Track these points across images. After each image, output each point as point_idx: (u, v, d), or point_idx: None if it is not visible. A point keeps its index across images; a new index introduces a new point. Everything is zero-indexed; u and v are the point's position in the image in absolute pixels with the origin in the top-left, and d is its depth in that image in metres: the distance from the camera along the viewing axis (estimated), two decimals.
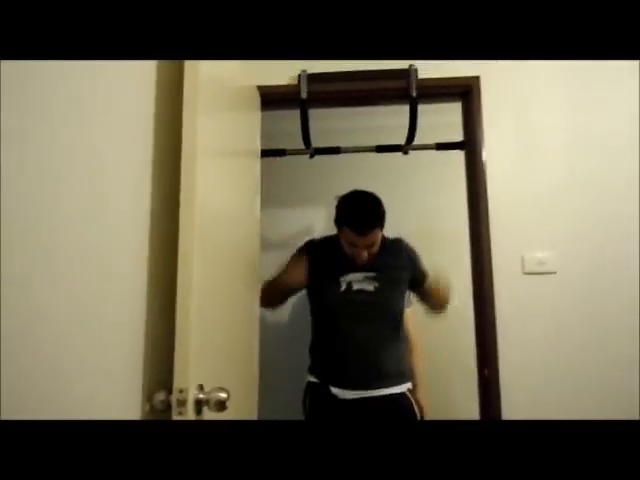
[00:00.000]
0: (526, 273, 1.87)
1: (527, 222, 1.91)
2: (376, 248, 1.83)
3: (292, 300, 2.08)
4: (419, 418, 1.81)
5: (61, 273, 0.88)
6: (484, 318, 1.84)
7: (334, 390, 1.79)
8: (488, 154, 1.94)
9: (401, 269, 1.90)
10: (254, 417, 1.70)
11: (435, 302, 2.00)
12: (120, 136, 1.09)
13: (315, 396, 1.84)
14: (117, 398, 1.07)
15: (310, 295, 1.96)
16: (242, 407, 1.53)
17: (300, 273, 1.87)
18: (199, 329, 1.18)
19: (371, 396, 1.78)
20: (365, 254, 1.80)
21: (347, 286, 1.84)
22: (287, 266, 1.92)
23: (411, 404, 1.82)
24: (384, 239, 1.88)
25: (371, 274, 1.84)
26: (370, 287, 1.84)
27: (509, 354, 1.82)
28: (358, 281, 1.84)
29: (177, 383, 1.11)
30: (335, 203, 1.86)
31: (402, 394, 1.82)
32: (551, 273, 1.87)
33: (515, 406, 1.79)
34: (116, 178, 1.07)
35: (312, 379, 1.87)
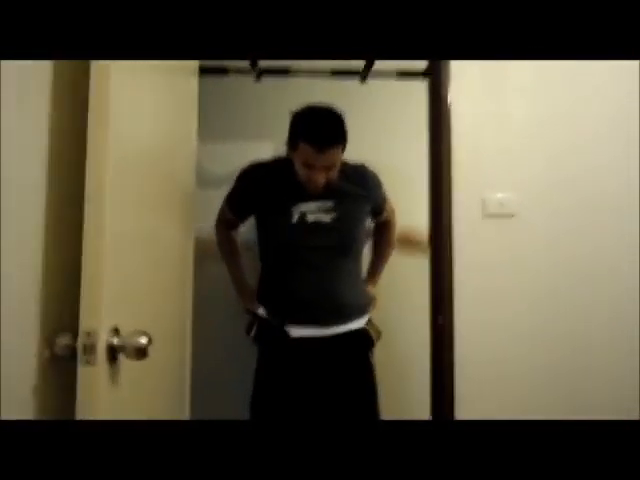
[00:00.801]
0: (486, 216, 1.74)
1: (489, 164, 1.77)
2: (335, 172, 1.61)
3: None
4: (373, 347, 1.72)
5: None
6: (441, 262, 1.71)
7: (287, 327, 1.64)
8: (452, 90, 1.77)
9: (362, 198, 1.71)
10: (185, 367, 1.52)
11: (386, 240, 1.89)
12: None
13: (265, 333, 1.70)
14: (9, 342, 0.86)
15: (258, 227, 1.76)
16: (169, 355, 1.35)
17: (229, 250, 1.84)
18: (114, 265, 0.98)
19: (328, 334, 1.64)
20: (322, 178, 1.58)
21: (300, 218, 1.64)
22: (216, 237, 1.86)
23: (368, 339, 1.71)
24: (344, 164, 1.67)
25: (328, 203, 1.64)
26: (327, 218, 1.64)
27: (465, 301, 1.71)
28: (312, 212, 1.64)
29: (84, 324, 0.91)
30: (289, 118, 1.64)
31: (360, 330, 1.69)
32: (511, 216, 1.75)
33: (468, 356, 1.70)
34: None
35: (262, 313, 1.71)
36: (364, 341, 1.71)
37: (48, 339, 0.95)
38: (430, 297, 1.75)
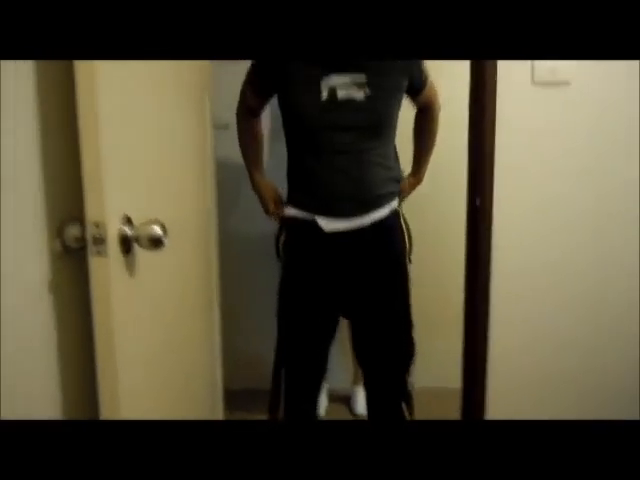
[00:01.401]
0: (536, 83, 1.55)
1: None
2: None
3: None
4: (407, 235, 1.61)
5: None
6: (482, 134, 1.55)
7: (320, 221, 1.51)
8: None
9: (399, 71, 1.52)
10: (211, 252, 1.49)
11: (429, 129, 1.71)
12: None
13: (295, 233, 1.58)
14: (20, 234, 0.81)
15: (282, 108, 1.57)
16: (189, 243, 1.30)
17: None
18: (120, 150, 0.92)
19: (360, 227, 1.52)
20: None
21: (330, 93, 1.46)
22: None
23: (400, 222, 1.59)
24: None
25: (361, 76, 1.46)
26: (360, 95, 1.46)
27: (506, 182, 1.57)
28: (344, 86, 1.46)
29: (91, 215, 0.85)
30: None
31: (392, 212, 1.57)
32: (564, 84, 1.55)
33: (505, 254, 1.61)
34: None
35: (292, 211, 1.57)
36: (400, 240, 1.60)
37: (58, 229, 0.89)
38: (467, 176, 1.62)
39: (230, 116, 1.67)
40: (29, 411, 0.84)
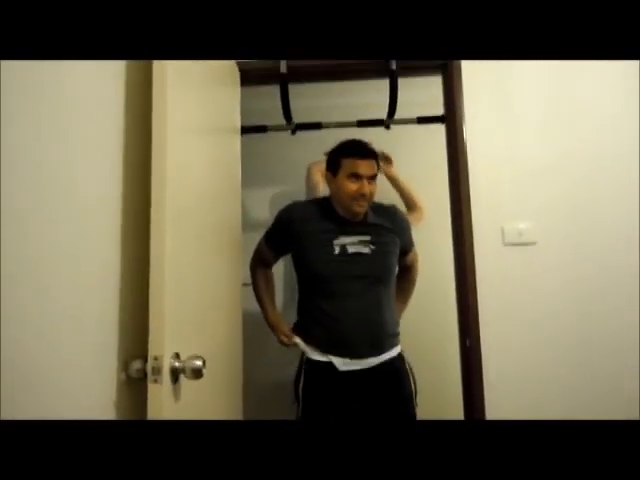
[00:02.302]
0: (506, 244, 1.88)
1: (507, 195, 1.92)
2: (374, 188, 1.78)
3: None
4: (412, 379, 1.79)
5: (37, 247, 0.88)
6: (465, 289, 1.86)
7: (332, 359, 1.73)
8: (469, 128, 1.95)
9: (394, 234, 1.86)
10: (238, 387, 1.71)
11: (410, 280, 1.99)
12: (90, 124, 1.08)
13: (312, 371, 1.77)
14: (94, 368, 1.07)
15: (298, 261, 1.88)
16: (221, 376, 1.54)
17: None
18: (176, 301, 1.19)
19: (371, 366, 1.73)
20: (368, 188, 1.75)
21: (341, 249, 1.78)
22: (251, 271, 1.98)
23: (405, 366, 1.79)
24: (378, 204, 1.85)
25: (366, 237, 1.79)
26: (366, 249, 1.78)
27: (490, 324, 1.84)
28: (353, 244, 1.79)
29: (152, 350, 1.11)
30: (326, 157, 1.85)
31: (398, 355, 1.79)
32: (531, 244, 1.88)
33: (497, 373, 1.82)
34: (86, 165, 1.06)
35: (307, 349, 1.79)
36: (408, 384, 1.78)
37: (124, 364, 1.16)
38: (458, 322, 1.89)
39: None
40: None
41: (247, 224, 1.98)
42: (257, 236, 2.01)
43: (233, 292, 1.78)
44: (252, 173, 2.03)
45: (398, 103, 2.02)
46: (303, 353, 1.81)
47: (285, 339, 1.86)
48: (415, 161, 2.37)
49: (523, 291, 1.86)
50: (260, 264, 1.98)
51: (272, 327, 1.93)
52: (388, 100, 2.03)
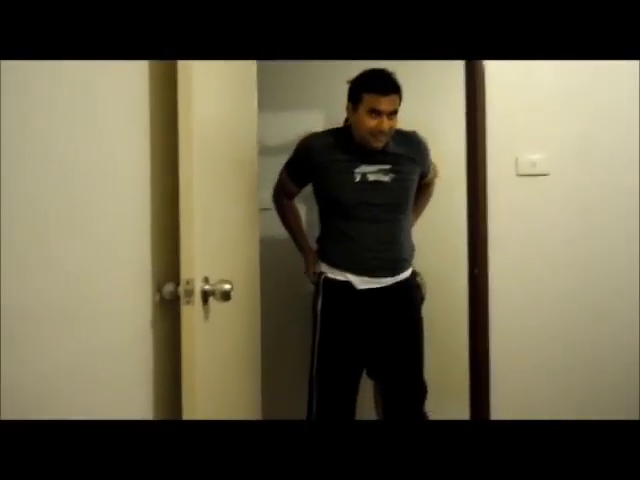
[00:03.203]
0: (519, 175, 1.91)
1: (522, 126, 1.93)
2: (395, 123, 1.80)
3: None
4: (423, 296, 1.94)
5: (72, 182, 0.93)
6: (476, 218, 1.91)
7: (351, 278, 1.83)
8: (486, 61, 1.92)
9: (414, 162, 1.90)
10: (257, 309, 1.81)
11: (426, 195, 2.05)
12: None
13: (330, 290, 1.87)
14: (130, 290, 1.15)
15: (318, 189, 1.94)
16: (246, 299, 1.63)
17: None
18: (203, 226, 1.25)
19: (387, 285, 1.84)
20: (388, 125, 1.77)
21: (362, 177, 1.84)
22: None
23: (417, 285, 1.93)
24: (398, 131, 1.87)
25: (386, 166, 1.84)
26: (386, 178, 1.84)
27: (499, 254, 1.91)
28: (373, 173, 1.84)
29: (184, 274, 1.19)
30: (348, 85, 1.86)
31: (411, 276, 1.91)
32: (544, 175, 1.91)
33: (503, 304, 1.91)
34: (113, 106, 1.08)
35: (326, 269, 1.88)
36: (418, 296, 1.94)
37: (158, 287, 1.24)
38: (467, 251, 1.95)
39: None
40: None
41: (262, 148, 1.99)
42: (272, 160, 2.03)
43: (252, 217, 1.84)
44: (267, 99, 2.02)
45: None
46: (321, 273, 1.90)
47: (313, 267, 1.95)
48: (433, 92, 2.35)
49: (534, 222, 1.91)
50: (284, 196, 2.03)
51: (304, 256, 2.01)
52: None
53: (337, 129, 1.97)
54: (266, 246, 2.30)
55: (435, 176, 2.03)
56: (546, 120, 1.92)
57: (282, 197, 2.03)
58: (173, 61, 1.20)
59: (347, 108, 1.87)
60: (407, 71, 2.12)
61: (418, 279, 1.94)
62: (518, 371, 1.94)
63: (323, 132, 1.99)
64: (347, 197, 1.85)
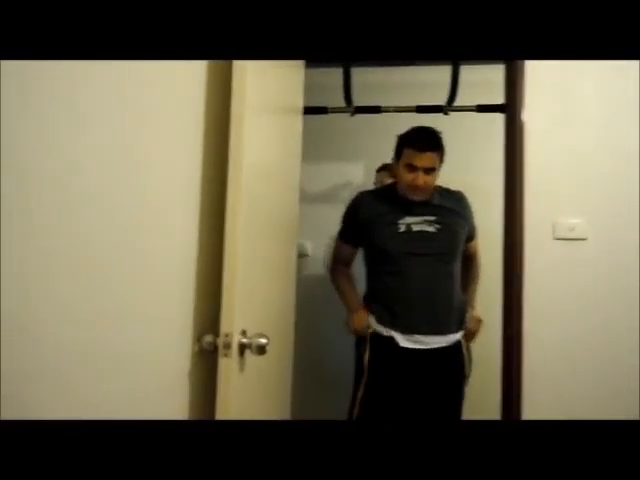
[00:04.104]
0: (556, 239, 1.91)
1: (560, 188, 1.94)
2: (433, 179, 1.85)
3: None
4: (467, 367, 1.90)
5: (123, 235, 0.99)
6: (512, 279, 1.91)
7: (395, 336, 1.83)
8: (527, 118, 1.95)
9: (460, 217, 1.93)
10: (290, 362, 1.84)
11: (472, 275, 2.05)
12: (173, 107, 1.17)
13: (377, 345, 1.87)
14: (171, 340, 1.21)
15: (366, 244, 1.96)
16: (280, 352, 1.67)
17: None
18: (244, 280, 1.30)
19: (432, 348, 1.83)
20: (422, 180, 1.81)
21: (406, 228, 1.87)
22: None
23: (463, 353, 1.89)
24: (444, 188, 1.92)
25: (431, 217, 1.88)
26: (431, 228, 1.87)
27: (534, 316, 1.89)
28: (417, 223, 1.87)
29: (223, 328, 1.23)
30: (396, 140, 1.93)
31: (458, 342, 1.89)
32: (581, 239, 1.91)
33: (537, 365, 1.89)
34: (168, 147, 1.16)
35: (374, 323, 1.88)
36: (464, 365, 1.89)
37: (198, 338, 1.29)
38: (502, 312, 1.95)
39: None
40: None
41: (303, 197, 2.05)
42: (311, 209, 2.09)
43: (289, 267, 1.89)
44: (311, 151, 2.09)
45: (458, 88, 2.04)
46: (368, 326, 1.91)
47: (363, 329, 1.91)
48: (472, 149, 2.39)
49: (570, 287, 1.90)
50: (340, 264, 2.03)
51: (351, 311, 1.98)
52: (450, 85, 2.05)
53: (383, 187, 2.05)
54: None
55: (477, 252, 2.04)
56: (586, 185, 1.93)
57: (338, 265, 2.04)
58: (225, 109, 1.26)
59: (392, 160, 1.95)
60: (445, 124, 2.18)
61: (464, 348, 1.91)
62: None
63: (369, 190, 2.08)
64: (390, 247, 1.87)
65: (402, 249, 1.85)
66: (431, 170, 1.84)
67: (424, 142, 1.83)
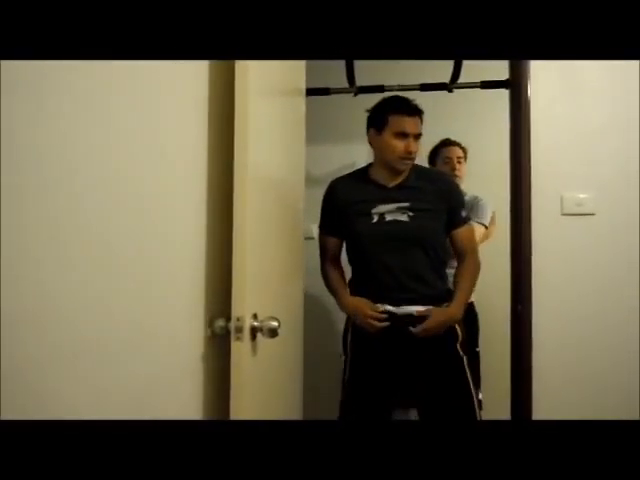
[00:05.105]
0: (564, 214, 1.90)
1: (567, 163, 1.92)
2: (418, 146, 1.78)
3: None
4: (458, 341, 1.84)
5: (133, 222, 0.99)
6: (520, 256, 1.91)
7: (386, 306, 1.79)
8: (532, 93, 1.93)
9: (439, 200, 1.82)
10: (301, 346, 1.84)
11: (460, 259, 1.92)
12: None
13: (357, 327, 1.87)
14: (183, 324, 1.21)
15: (344, 233, 1.92)
16: (291, 335, 1.68)
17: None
18: (253, 263, 1.30)
19: (405, 313, 1.79)
20: (415, 147, 1.75)
21: (379, 218, 1.81)
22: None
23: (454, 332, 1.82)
24: (421, 167, 1.86)
25: (404, 204, 1.80)
26: (404, 217, 1.80)
27: (543, 293, 1.89)
28: (391, 212, 1.80)
29: (235, 311, 1.24)
30: (367, 114, 1.87)
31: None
32: (589, 215, 1.90)
33: (546, 343, 1.89)
34: (175, 134, 1.16)
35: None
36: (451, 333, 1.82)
37: (209, 322, 1.30)
38: (510, 289, 1.95)
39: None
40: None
41: (308, 180, 2.04)
42: (315, 192, 2.06)
43: (297, 249, 1.89)
44: (314, 133, 2.08)
45: (462, 65, 2.02)
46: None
47: (375, 322, 1.81)
48: (477, 126, 2.37)
49: (578, 262, 1.90)
50: (329, 261, 1.96)
51: (348, 311, 1.91)
52: (452, 63, 2.02)
53: (356, 170, 1.98)
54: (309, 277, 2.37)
55: (469, 245, 1.89)
56: (593, 159, 1.91)
57: (326, 263, 1.97)
58: (229, 93, 1.25)
59: (369, 135, 1.87)
60: (449, 102, 2.16)
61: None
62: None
63: (343, 176, 2.00)
64: (365, 240, 1.83)
65: (376, 240, 1.81)
66: (419, 136, 1.78)
67: (411, 106, 1.77)
